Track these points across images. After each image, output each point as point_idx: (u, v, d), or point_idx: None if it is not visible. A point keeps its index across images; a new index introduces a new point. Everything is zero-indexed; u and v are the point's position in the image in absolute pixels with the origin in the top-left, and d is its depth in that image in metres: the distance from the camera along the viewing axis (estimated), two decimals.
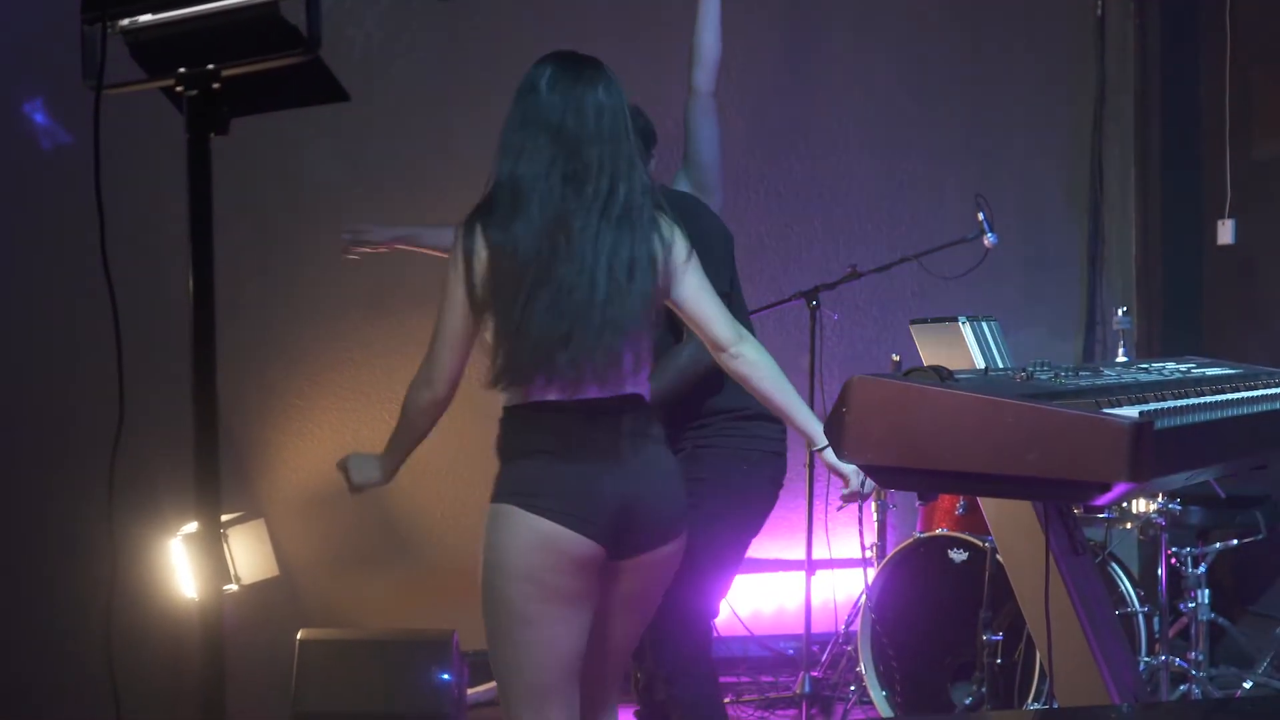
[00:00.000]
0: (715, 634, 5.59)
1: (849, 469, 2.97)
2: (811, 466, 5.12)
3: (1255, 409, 2.48)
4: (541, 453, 2.77)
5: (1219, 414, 2.31)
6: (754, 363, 2.89)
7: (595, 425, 2.77)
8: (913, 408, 2.16)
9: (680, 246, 2.85)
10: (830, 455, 2.89)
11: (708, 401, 3.57)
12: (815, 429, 2.92)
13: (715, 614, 3.76)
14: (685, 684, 3.61)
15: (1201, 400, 2.36)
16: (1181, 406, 2.23)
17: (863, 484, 3.03)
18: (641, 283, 2.76)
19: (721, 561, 3.64)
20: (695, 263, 2.88)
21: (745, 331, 2.92)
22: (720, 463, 3.54)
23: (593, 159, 2.77)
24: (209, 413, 1.70)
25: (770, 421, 3.52)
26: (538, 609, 2.75)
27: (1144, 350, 6.02)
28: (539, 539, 2.72)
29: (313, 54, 1.63)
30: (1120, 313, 4.75)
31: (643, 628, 2.96)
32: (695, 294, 2.88)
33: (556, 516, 2.72)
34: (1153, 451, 1.97)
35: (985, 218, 5.06)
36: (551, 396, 2.76)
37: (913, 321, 3.30)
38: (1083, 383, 2.37)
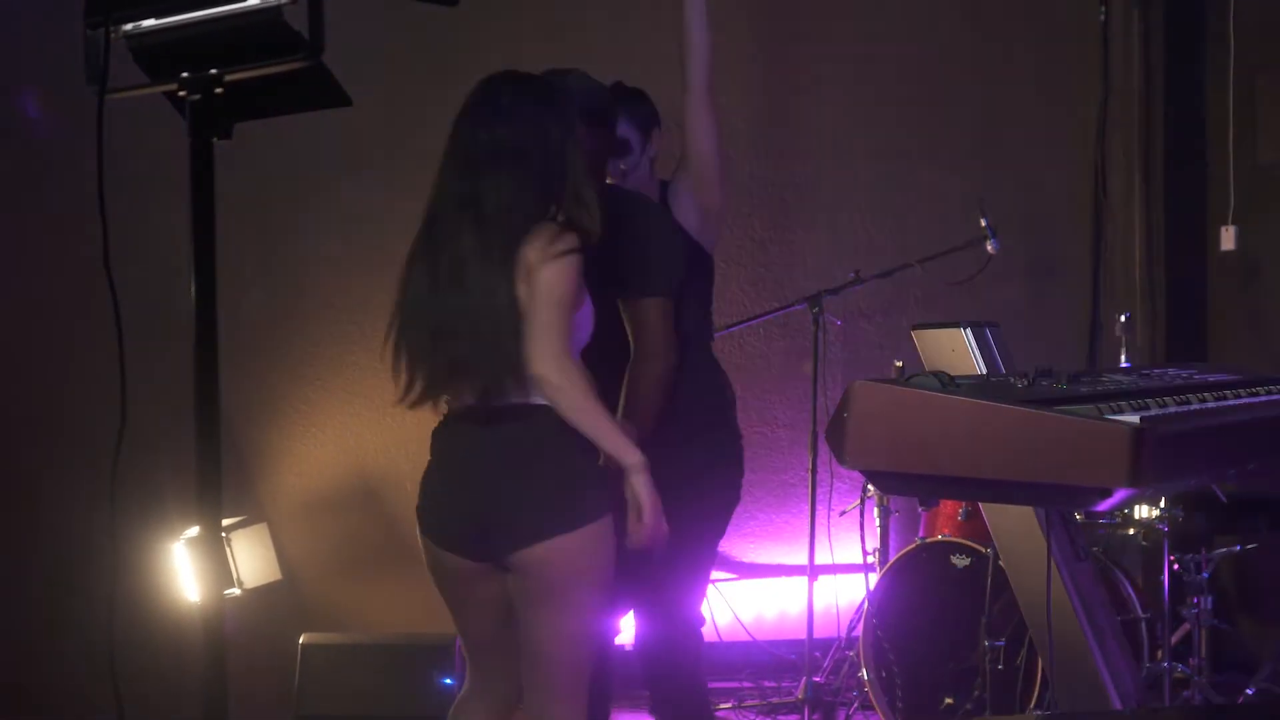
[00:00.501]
0: (718, 639, 5.59)
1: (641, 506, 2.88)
2: (814, 472, 5.12)
3: (1256, 415, 2.48)
4: (429, 465, 3.03)
5: (1219, 420, 2.32)
6: (557, 387, 2.83)
7: (461, 436, 2.94)
8: (914, 413, 2.16)
9: (537, 257, 2.83)
10: (636, 481, 2.86)
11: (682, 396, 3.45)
12: (623, 452, 2.86)
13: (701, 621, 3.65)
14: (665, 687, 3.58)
15: (1203, 406, 2.36)
16: (1182, 412, 2.23)
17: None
18: (486, 293, 2.82)
19: (697, 565, 3.58)
20: (550, 274, 2.83)
21: (563, 364, 2.84)
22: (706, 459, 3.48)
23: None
24: (211, 416, 1.70)
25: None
26: (448, 604, 3.06)
27: (1146, 356, 6.01)
28: (423, 549, 3.03)
29: (315, 59, 1.63)
30: (1123, 319, 4.75)
31: (555, 630, 2.90)
32: (531, 306, 2.83)
33: (424, 527, 3.02)
34: (1153, 457, 1.97)
35: (988, 224, 5.06)
36: (443, 410, 2.97)
37: (915, 327, 3.30)
38: (1084, 389, 2.38)
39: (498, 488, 2.88)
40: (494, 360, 2.83)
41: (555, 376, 2.82)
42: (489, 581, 2.95)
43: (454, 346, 2.85)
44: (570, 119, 2.97)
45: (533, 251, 2.83)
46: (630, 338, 3.36)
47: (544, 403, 2.86)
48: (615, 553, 2.89)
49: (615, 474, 2.89)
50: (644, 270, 3.38)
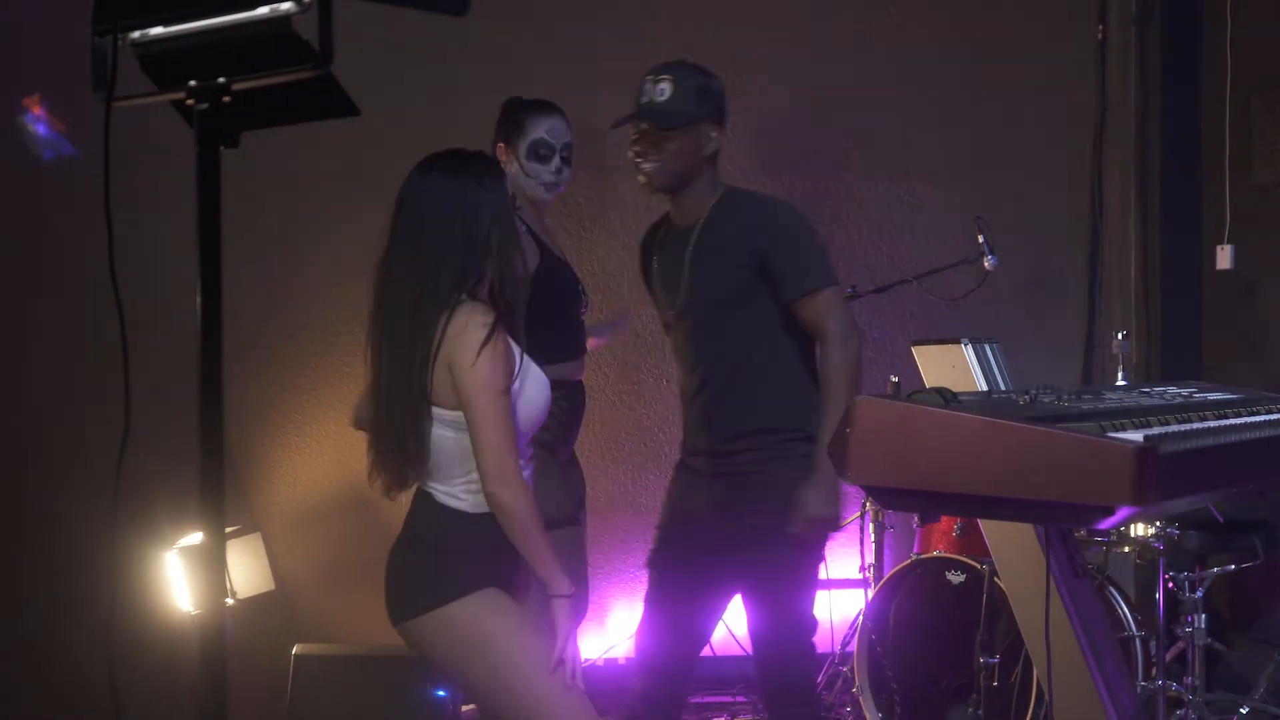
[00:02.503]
0: (712, 653, 5.59)
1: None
2: None
3: (1258, 434, 2.48)
4: None
5: (1222, 439, 2.31)
6: (506, 513, 2.89)
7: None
8: (917, 429, 2.16)
9: (458, 359, 2.86)
10: (558, 607, 2.94)
11: (761, 419, 3.55)
12: (553, 580, 2.93)
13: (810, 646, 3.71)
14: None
15: (1205, 425, 2.36)
16: (1185, 431, 2.23)
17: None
18: (405, 381, 2.91)
19: (797, 585, 3.63)
20: (473, 379, 2.86)
21: (511, 483, 2.87)
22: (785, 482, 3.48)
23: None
24: (214, 425, 1.70)
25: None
26: None
27: (1142, 374, 6.02)
28: None
29: (325, 69, 1.63)
30: (1120, 336, 4.75)
31: (472, 692, 3.04)
32: (468, 418, 2.88)
33: None
34: (1156, 476, 1.97)
35: (986, 240, 5.06)
36: None
37: (915, 343, 3.30)
38: (1085, 406, 2.37)
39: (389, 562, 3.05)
40: (396, 459, 2.97)
41: (506, 498, 2.86)
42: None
43: (391, 440, 2.97)
44: (490, 192, 2.98)
45: (453, 351, 2.86)
46: (813, 331, 3.49)
47: (423, 488, 3.00)
48: (500, 627, 2.91)
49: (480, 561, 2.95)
50: (807, 266, 3.51)
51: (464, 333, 2.84)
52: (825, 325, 3.46)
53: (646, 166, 3.63)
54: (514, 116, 4.03)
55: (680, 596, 3.70)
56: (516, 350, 2.97)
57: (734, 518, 3.57)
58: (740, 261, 3.55)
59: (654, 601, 3.73)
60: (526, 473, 2.97)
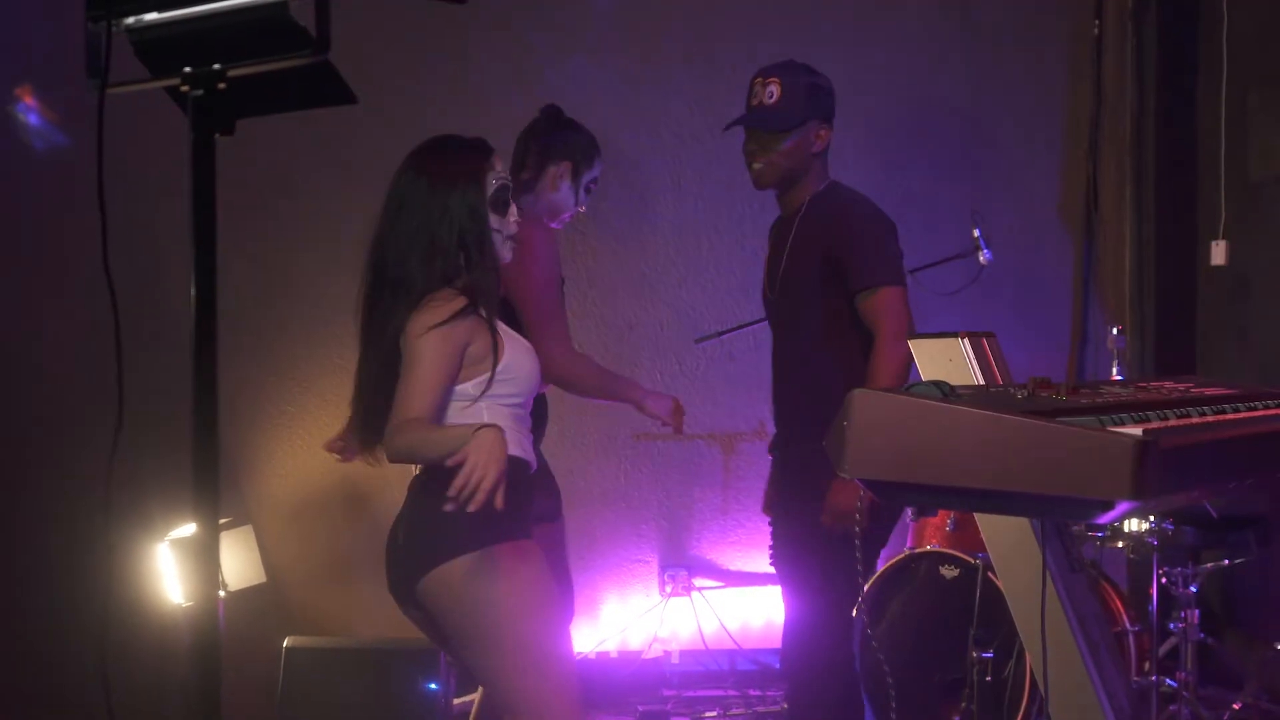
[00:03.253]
0: (704, 647, 5.58)
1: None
2: None
3: (1256, 429, 2.47)
4: None
5: (1221, 433, 2.30)
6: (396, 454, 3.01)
7: None
8: (915, 423, 2.14)
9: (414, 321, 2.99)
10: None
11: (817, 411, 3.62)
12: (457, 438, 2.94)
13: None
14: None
15: (1204, 420, 2.35)
16: (1184, 425, 2.22)
17: None
18: (373, 358, 3.09)
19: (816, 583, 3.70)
20: (415, 349, 2.98)
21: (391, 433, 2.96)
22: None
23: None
24: (209, 417, 1.68)
25: None
26: None
27: (1135, 369, 6.02)
28: None
29: (321, 56, 1.61)
30: (1115, 331, 4.75)
31: (483, 666, 3.01)
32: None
33: None
34: (1156, 470, 1.95)
35: (981, 234, 5.06)
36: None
37: (911, 336, 3.29)
38: (1084, 400, 2.36)
39: (394, 536, 3.10)
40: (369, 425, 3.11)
41: (398, 444, 2.94)
42: (432, 624, 3.08)
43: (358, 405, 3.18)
44: (465, 190, 3.08)
45: (414, 324, 2.98)
46: (871, 325, 3.60)
47: None
48: (515, 582, 2.94)
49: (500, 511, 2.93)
50: (872, 262, 3.63)
51: (421, 312, 2.98)
52: (880, 323, 3.59)
53: (756, 166, 3.81)
54: (589, 150, 4.16)
55: (781, 579, 3.89)
56: (493, 337, 3.04)
57: (784, 507, 3.76)
58: (818, 255, 3.70)
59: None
60: (527, 441, 3.10)
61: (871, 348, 3.64)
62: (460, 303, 2.99)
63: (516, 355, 3.07)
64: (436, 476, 2.93)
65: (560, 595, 3.24)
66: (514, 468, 2.95)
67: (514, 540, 2.97)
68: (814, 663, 3.75)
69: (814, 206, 3.79)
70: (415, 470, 3.13)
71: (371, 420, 3.08)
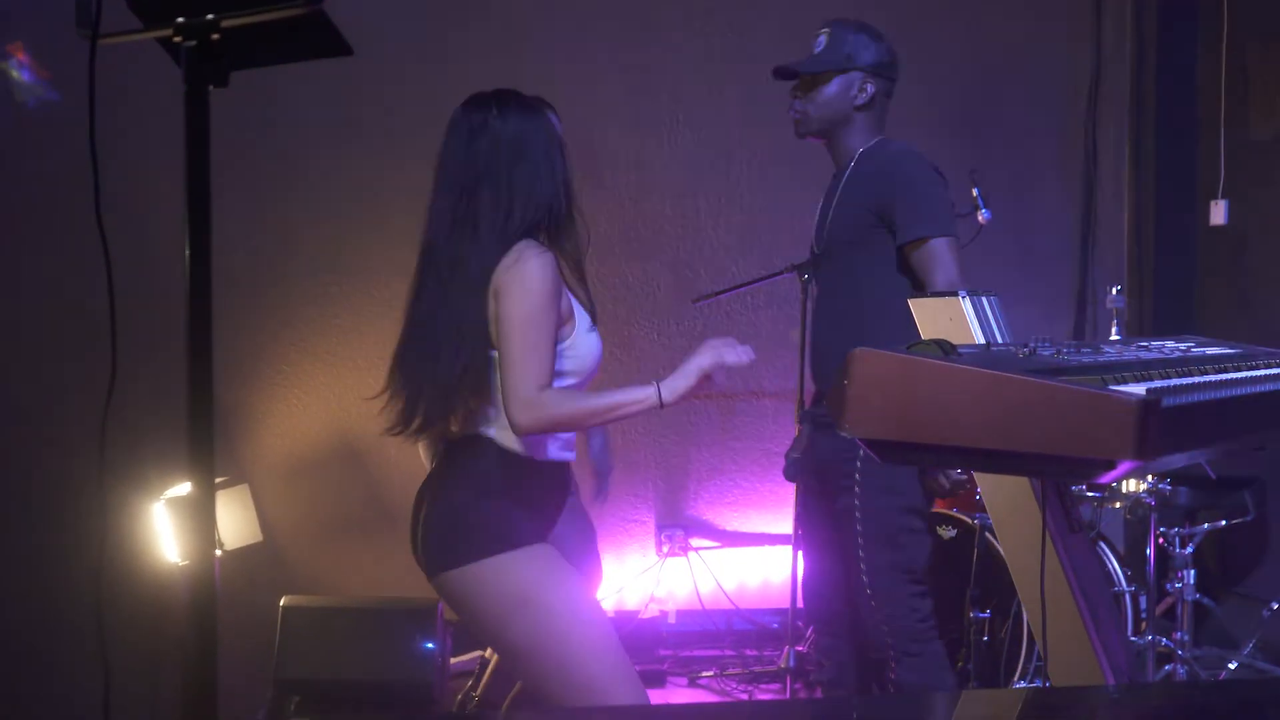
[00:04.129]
0: (700, 607, 5.57)
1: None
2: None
3: (1257, 389, 2.45)
4: None
5: (1223, 393, 2.29)
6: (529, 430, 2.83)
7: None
8: (916, 382, 2.12)
9: (508, 276, 2.80)
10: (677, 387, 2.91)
11: None
12: (641, 401, 2.87)
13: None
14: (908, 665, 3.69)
15: (1205, 379, 2.33)
16: (1186, 385, 2.20)
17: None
18: (429, 323, 2.86)
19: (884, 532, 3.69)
20: (509, 285, 2.80)
21: (532, 404, 2.77)
22: None
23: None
24: (203, 375, 1.66)
25: None
26: None
27: (1134, 329, 6.01)
28: None
29: (316, 6, 1.58)
30: (1114, 291, 4.73)
31: (509, 655, 2.90)
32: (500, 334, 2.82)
33: None
34: (1159, 429, 1.94)
35: (979, 194, 5.02)
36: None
37: (911, 296, 3.26)
38: (1085, 359, 2.34)
39: (418, 518, 2.95)
40: (435, 399, 2.87)
41: (525, 420, 2.77)
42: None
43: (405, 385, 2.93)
44: (544, 136, 2.92)
45: (501, 281, 2.80)
46: (923, 276, 3.62)
47: (479, 433, 2.88)
48: (541, 583, 2.82)
49: (533, 512, 2.88)
50: (921, 213, 3.63)
51: (515, 264, 2.79)
52: (930, 275, 3.61)
53: (793, 112, 3.90)
54: None
55: (806, 542, 3.98)
56: (573, 302, 2.93)
57: (822, 468, 3.77)
58: (864, 207, 3.72)
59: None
60: (572, 436, 2.98)
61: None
62: (549, 253, 2.84)
63: (581, 339, 2.92)
64: (465, 466, 2.88)
65: (582, 568, 3.06)
66: (549, 469, 2.91)
67: (529, 545, 2.84)
68: (878, 626, 3.72)
69: (862, 162, 3.82)
70: (427, 465, 3.03)
71: (434, 376, 2.86)
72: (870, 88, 3.82)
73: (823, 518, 3.86)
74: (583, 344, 2.91)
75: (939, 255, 3.61)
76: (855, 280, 3.74)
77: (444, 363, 2.82)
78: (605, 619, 2.93)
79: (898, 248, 3.68)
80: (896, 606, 3.68)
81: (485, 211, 2.84)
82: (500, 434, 2.86)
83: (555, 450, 2.92)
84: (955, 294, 2.86)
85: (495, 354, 2.83)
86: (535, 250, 2.81)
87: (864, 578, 3.69)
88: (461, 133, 2.91)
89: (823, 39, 3.85)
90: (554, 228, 2.92)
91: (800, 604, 4.28)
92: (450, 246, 2.85)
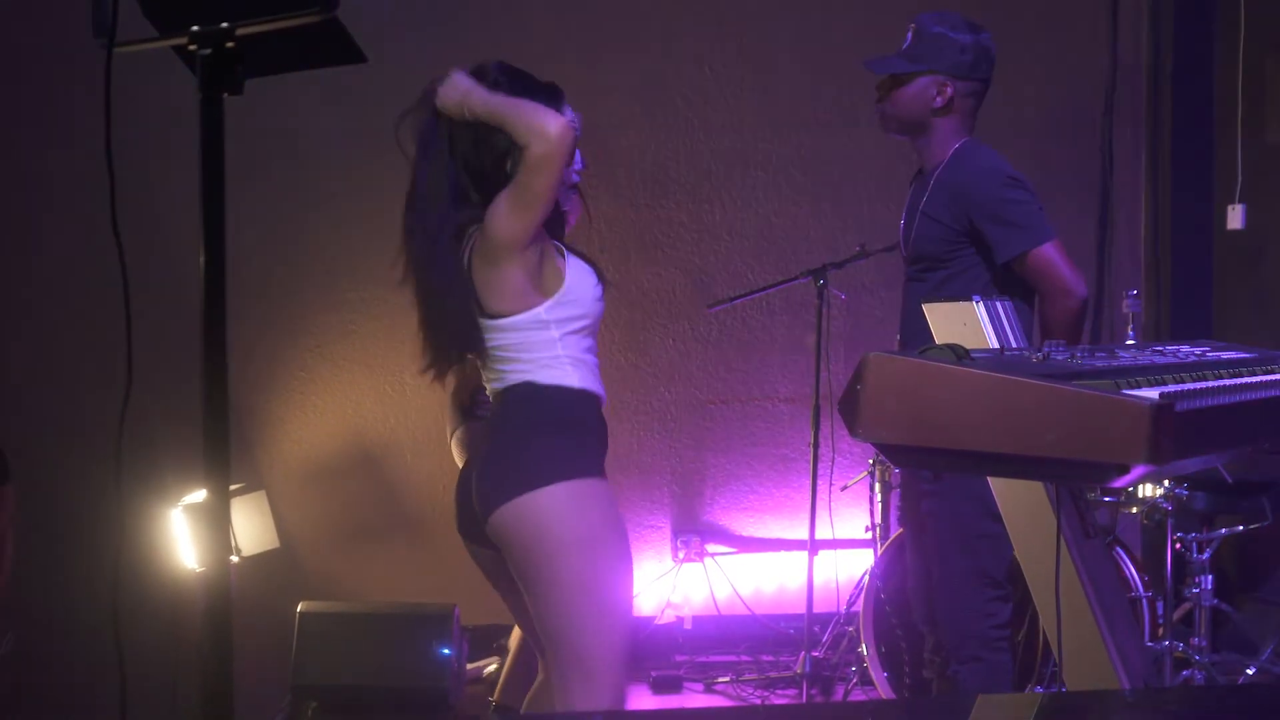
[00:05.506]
0: (717, 612, 5.57)
1: None
2: (816, 446, 5.10)
3: (1273, 393, 2.45)
4: None
5: (1237, 398, 2.28)
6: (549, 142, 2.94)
7: (486, 419, 3.14)
8: (929, 386, 2.12)
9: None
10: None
11: None
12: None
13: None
14: (974, 669, 3.69)
15: (1220, 383, 2.33)
16: (1200, 389, 2.19)
17: None
18: (440, 274, 2.97)
19: (962, 531, 3.69)
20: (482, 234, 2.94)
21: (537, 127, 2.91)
22: None
23: None
24: (219, 382, 1.67)
25: None
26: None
27: (1151, 334, 6.00)
28: None
29: (330, 13, 1.59)
30: (1130, 295, 4.71)
31: (550, 604, 2.89)
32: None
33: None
34: (1173, 434, 1.94)
35: None
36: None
37: (925, 300, 3.27)
38: (1099, 364, 2.34)
39: (474, 470, 3.00)
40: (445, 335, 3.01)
41: (551, 135, 2.86)
42: (500, 564, 3.00)
43: (439, 335, 3.04)
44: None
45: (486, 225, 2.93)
46: (1035, 288, 3.61)
47: (507, 384, 2.99)
48: (598, 521, 2.88)
49: (586, 446, 2.96)
50: (1016, 228, 3.60)
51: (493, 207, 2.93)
52: (1040, 285, 3.59)
53: (877, 109, 3.82)
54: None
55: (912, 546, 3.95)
56: (558, 252, 3.03)
57: (909, 472, 3.82)
58: (949, 226, 3.67)
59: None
60: (593, 360, 3.05)
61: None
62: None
63: (574, 276, 3.02)
64: (515, 411, 2.97)
65: (621, 549, 3.10)
66: (586, 402, 2.99)
67: (594, 477, 2.93)
68: (962, 627, 3.74)
69: (946, 171, 3.73)
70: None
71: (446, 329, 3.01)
72: (950, 89, 3.72)
73: (913, 520, 3.88)
74: (578, 280, 3.02)
75: (1042, 264, 3.58)
76: (948, 289, 3.67)
77: (450, 314, 2.98)
78: (628, 595, 3.01)
79: (1003, 264, 3.63)
80: (970, 612, 3.67)
81: (444, 187, 3.00)
82: (542, 372, 2.97)
83: (584, 380, 3.00)
84: (970, 299, 2.86)
85: (509, 319, 2.95)
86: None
87: (939, 582, 3.70)
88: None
89: (909, 35, 3.76)
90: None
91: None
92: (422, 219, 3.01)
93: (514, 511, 2.86)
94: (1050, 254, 3.58)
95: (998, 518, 3.70)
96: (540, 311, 2.94)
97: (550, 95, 3.02)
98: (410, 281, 3.02)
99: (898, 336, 3.89)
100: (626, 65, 5.80)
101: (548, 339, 2.96)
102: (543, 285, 2.95)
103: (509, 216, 2.89)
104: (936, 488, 3.66)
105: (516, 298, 2.94)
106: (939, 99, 3.71)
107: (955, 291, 3.63)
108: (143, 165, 4.78)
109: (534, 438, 2.94)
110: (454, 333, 2.99)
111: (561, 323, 2.96)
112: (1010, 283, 3.63)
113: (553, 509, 2.85)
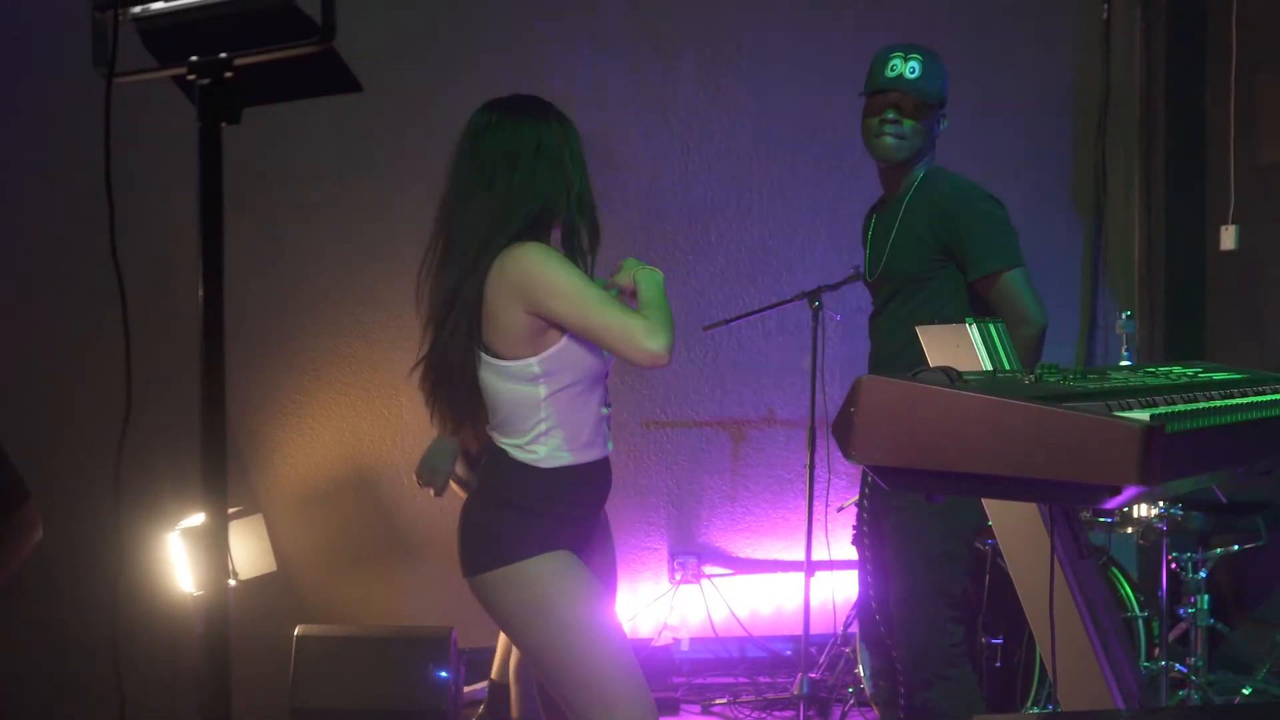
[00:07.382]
0: (714, 634, 5.58)
1: None
2: (812, 468, 5.11)
3: (1264, 414, 2.46)
4: None
5: (1229, 418, 2.30)
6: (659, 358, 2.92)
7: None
8: (922, 409, 2.14)
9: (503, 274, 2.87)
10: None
11: None
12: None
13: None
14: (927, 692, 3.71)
15: (1211, 404, 2.35)
16: (1191, 410, 2.21)
17: None
18: (454, 325, 2.90)
19: (924, 560, 3.70)
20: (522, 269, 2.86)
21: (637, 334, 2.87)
22: None
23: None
24: (216, 405, 1.68)
25: None
26: None
27: (1144, 355, 6.01)
28: None
29: (327, 44, 1.61)
30: (1124, 316, 4.73)
31: (534, 657, 2.95)
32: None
33: None
34: (1164, 455, 1.96)
35: None
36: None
37: (918, 322, 3.29)
38: (1091, 385, 2.36)
39: (461, 516, 3.02)
40: (447, 402, 2.99)
41: (658, 347, 2.85)
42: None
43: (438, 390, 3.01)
44: (561, 129, 2.96)
45: (517, 288, 2.85)
46: (998, 309, 3.62)
47: (495, 448, 2.95)
48: (566, 591, 2.88)
49: (545, 521, 2.92)
50: (989, 248, 3.66)
51: (519, 263, 2.84)
52: (1001, 308, 3.61)
53: (889, 141, 3.80)
54: None
55: (871, 565, 3.96)
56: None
57: (875, 489, 3.81)
58: (927, 242, 3.72)
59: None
60: (588, 415, 2.96)
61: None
62: (554, 251, 2.92)
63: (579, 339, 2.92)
64: (486, 478, 2.97)
65: (609, 575, 3.17)
66: (555, 480, 2.93)
67: (544, 553, 2.89)
68: (914, 653, 3.76)
69: (920, 191, 3.81)
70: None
71: (447, 386, 2.97)
72: (944, 118, 3.89)
73: (876, 539, 3.88)
74: (576, 347, 2.91)
75: (1009, 287, 3.63)
76: (924, 313, 3.68)
77: (453, 384, 2.94)
78: (618, 627, 2.98)
79: (969, 283, 3.69)
80: (932, 626, 3.69)
81: (487, 219, 2.89)
82: (513, 448, 2.93)
83: (558, 453, 2.93)
84: (963, 321, 2.88)
85: (498, 362, 2.89)
86: (533, 249, 2.87)
87: (900, 599, 3.72)
88: (465, 135, 2.98)
89: (915, 65, 3.81)
90: (566, 231, 3.01)
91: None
92: (454, 252, 2.93)
93: (477, 588, 2.94)
94: (1018, 279, 3.65)
95: (964, 539, 3.73)
96: (533, 363, 2.87)
97: (543, 117, 2.98)
98: (430, 321, 2.97)
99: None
100: (624, 87, 5.83)
101: (531, 401, 2.89)
102: (544, 338, 2.88)
103: (558, 305, 2.84)
104: (905, 503, 3.68)
105: (514, 344, 2.87)
106: (941, 127, 3.89)
107: (939, 308, 3.68)
108: (141, 189, 4.80)
109: (492, 516, 2.94)
110: (453, 400, 2.98)
111: (552, 378, 2.89)
112: (980, 309, 3.67)
113: (507, 587, 2.89)
